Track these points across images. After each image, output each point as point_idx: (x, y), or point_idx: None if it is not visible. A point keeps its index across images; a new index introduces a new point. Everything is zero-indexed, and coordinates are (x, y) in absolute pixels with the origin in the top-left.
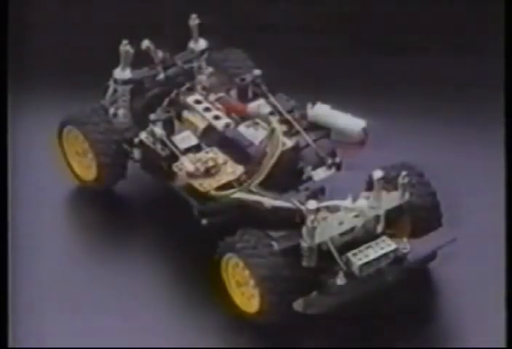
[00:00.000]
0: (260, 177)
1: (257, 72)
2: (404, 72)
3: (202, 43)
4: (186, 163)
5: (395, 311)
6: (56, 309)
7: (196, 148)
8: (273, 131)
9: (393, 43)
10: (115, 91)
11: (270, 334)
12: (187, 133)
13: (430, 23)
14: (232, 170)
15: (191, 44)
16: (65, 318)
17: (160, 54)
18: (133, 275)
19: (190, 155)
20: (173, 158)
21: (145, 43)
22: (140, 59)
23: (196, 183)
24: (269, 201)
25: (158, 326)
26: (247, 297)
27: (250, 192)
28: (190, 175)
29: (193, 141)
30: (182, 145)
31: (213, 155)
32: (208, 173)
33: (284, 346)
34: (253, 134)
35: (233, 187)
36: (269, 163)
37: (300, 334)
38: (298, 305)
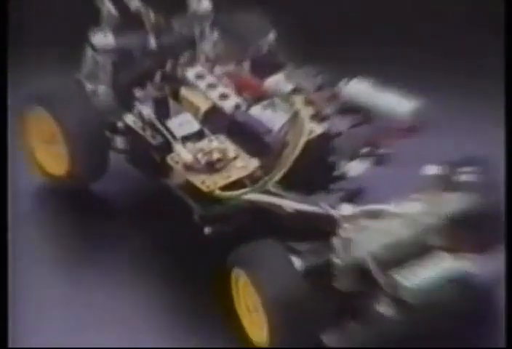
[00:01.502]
0: (280, 173)
1: (274, 37)
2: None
3: (206, 3)
4: (183, 154)
5: None
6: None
7: (197, 136)
8: (296, 114)
9: None
10: (94, 62)
11: None
12: (185, 116)
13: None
14: (243, 164)
15: (192, 4)
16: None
17: (152, 16)
18: (121, 299)
19: (190, 145)
20: (167, 147)
21: (134, 3)
22: (127, 23)
23: (198, 180)
24: (291, 203)
25: None
26: (259, 326)
27: (267, 192)
28: (189, 169)
29: (194, 126)
30: (179, 132)
31: (219, 144)
32: (212, 167)
33: None
34: (271, 117)
35: (244, 186)
36: (291, 155)
37: None
38: (329, 339)
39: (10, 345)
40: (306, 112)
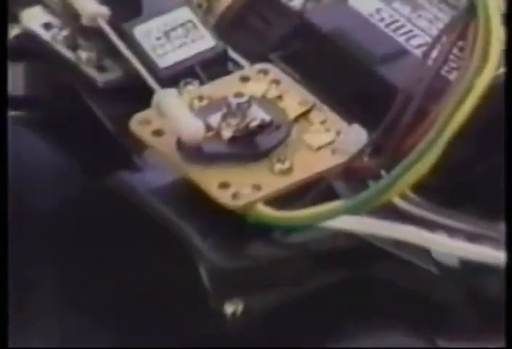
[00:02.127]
0: (420, 166)
1: None
2: None
3: None
4: (181, 112)
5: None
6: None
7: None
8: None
9: None
10: None
11: None
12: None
13: None
14: (327, 139)
15: None
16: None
17: None
18: None
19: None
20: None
21: None
22: None
23: (210, 180)
24: (450, 244)
25: None
26: None
27: (388, 212)
28: (189, 153)
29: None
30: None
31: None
32: (252, 146)
33: None
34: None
35: (332, 196)
36: (444, 127)
37: None
38: None
39: (10, 345)
40: None
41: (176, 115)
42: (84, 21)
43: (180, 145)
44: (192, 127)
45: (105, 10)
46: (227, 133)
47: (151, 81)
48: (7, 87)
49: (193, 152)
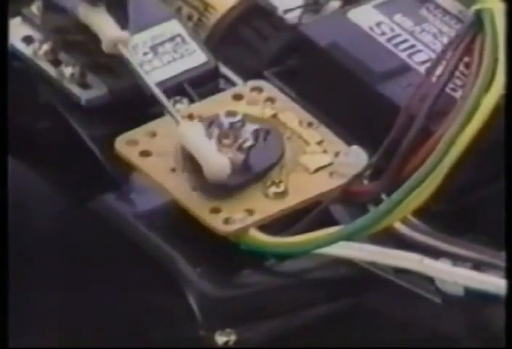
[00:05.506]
0: (426, 188)
1: None
2: None
3: None
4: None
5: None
6: None
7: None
8: None
9: None
10: None
11: None
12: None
13: None
14: (324, 160)
15: None
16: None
17: None
18: None
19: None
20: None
21: None
22: None
23: (199, 204)
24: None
25: None
26: None
27: (389, 238)
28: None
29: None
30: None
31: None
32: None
33: None
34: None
35: (328, 221)
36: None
37: None
38: None
39: (10, 345)
40: None
41: (202, 153)
42: (104, 47)
43: (201, 180)
44: (217, 165)
45: (126, 35)
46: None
47: (172, 109)
48: (7, 88)
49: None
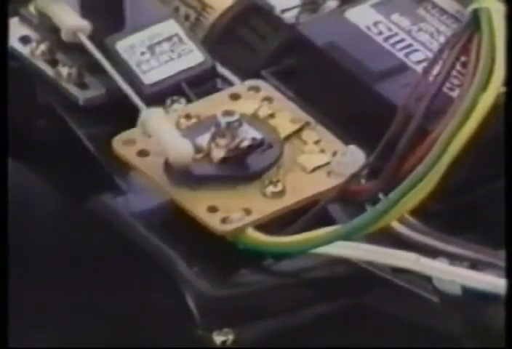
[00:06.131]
0: (424, 186)
1: None
2: None
3: None
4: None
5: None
6: None
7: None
8: None
9: None
10: None
11: None
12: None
13: None
14: (322, 159)
15: None
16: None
17: None
18: None
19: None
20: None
21: None
22: None
23: (196, 203)
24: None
25: None
26: None
27: (387, 237)
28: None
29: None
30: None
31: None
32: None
33: None
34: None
35: (327, 220)
36: (448, 145)
37: None
38: None
39: (10, 345)
40: None
41: (163, 136)
42: (64, 36)
43: (167, 166)
44: (180, 149)
45: (86, 24)
46: (218, 154)
47: (136, 99)
48: (7, 88)
49: (180, 174)
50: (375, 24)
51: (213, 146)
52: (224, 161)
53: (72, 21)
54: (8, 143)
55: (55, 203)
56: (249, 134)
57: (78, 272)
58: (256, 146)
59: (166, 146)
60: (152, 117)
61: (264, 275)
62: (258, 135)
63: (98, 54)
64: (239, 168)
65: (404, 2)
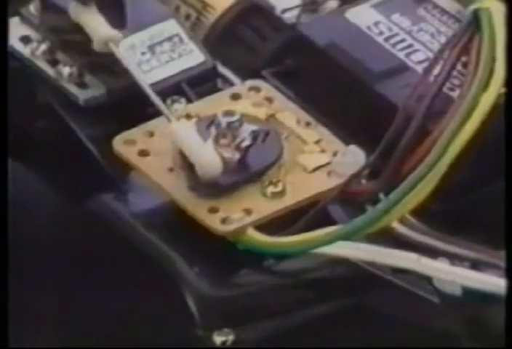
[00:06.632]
0: (424, 186)
1: None
2: None
3: None
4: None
5: None
6: None
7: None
8: None
9: None
10: None
11: None
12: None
13: None
14: (323, 159)
15: None
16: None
17: None
18: None
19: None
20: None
21: None
22: None
23: (196, 205)
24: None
25: None
26: None
27: (387, 237)
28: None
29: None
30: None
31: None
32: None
33: None
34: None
35: (327, 221)
36: (447, 147)
37: None
38: None
39: (10, 345)
40: None
41: (194, 152)
42: (95, 46)
43: (193, 179)
44: (211, 163)
45: (117, 34)
46: (233, 156)
47: (161, 105)
48: (7, 88)
49: (206, 186)
50: (376, 24)
51: (218, 148)
52: (239, 162)
53: (104, 31)
54: (8, 143)
55: (55, 203)
56: (249, 134)
57: (78, 272)
58: (257, 138)
59: (195, 160)
60: (183, 130)
61: (264, 276)
62: (256, 127)
63: (130, 65)
64: (238, 171)
65: (405, 2)
